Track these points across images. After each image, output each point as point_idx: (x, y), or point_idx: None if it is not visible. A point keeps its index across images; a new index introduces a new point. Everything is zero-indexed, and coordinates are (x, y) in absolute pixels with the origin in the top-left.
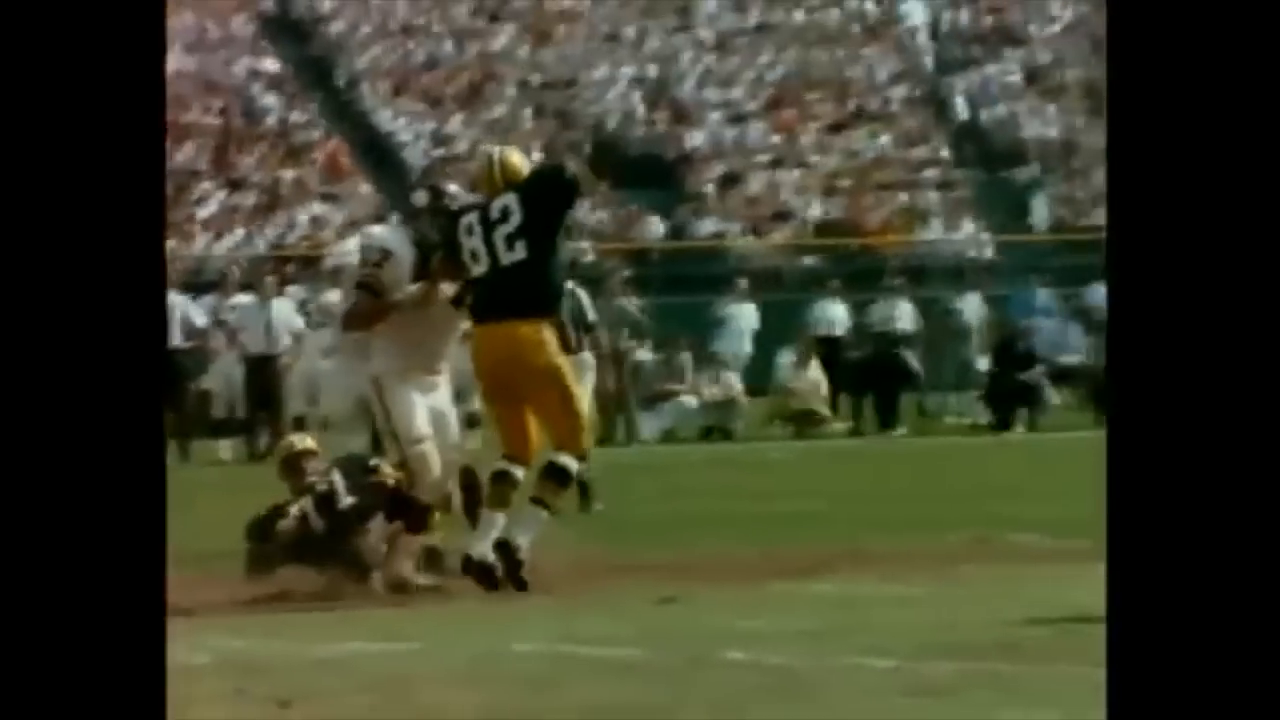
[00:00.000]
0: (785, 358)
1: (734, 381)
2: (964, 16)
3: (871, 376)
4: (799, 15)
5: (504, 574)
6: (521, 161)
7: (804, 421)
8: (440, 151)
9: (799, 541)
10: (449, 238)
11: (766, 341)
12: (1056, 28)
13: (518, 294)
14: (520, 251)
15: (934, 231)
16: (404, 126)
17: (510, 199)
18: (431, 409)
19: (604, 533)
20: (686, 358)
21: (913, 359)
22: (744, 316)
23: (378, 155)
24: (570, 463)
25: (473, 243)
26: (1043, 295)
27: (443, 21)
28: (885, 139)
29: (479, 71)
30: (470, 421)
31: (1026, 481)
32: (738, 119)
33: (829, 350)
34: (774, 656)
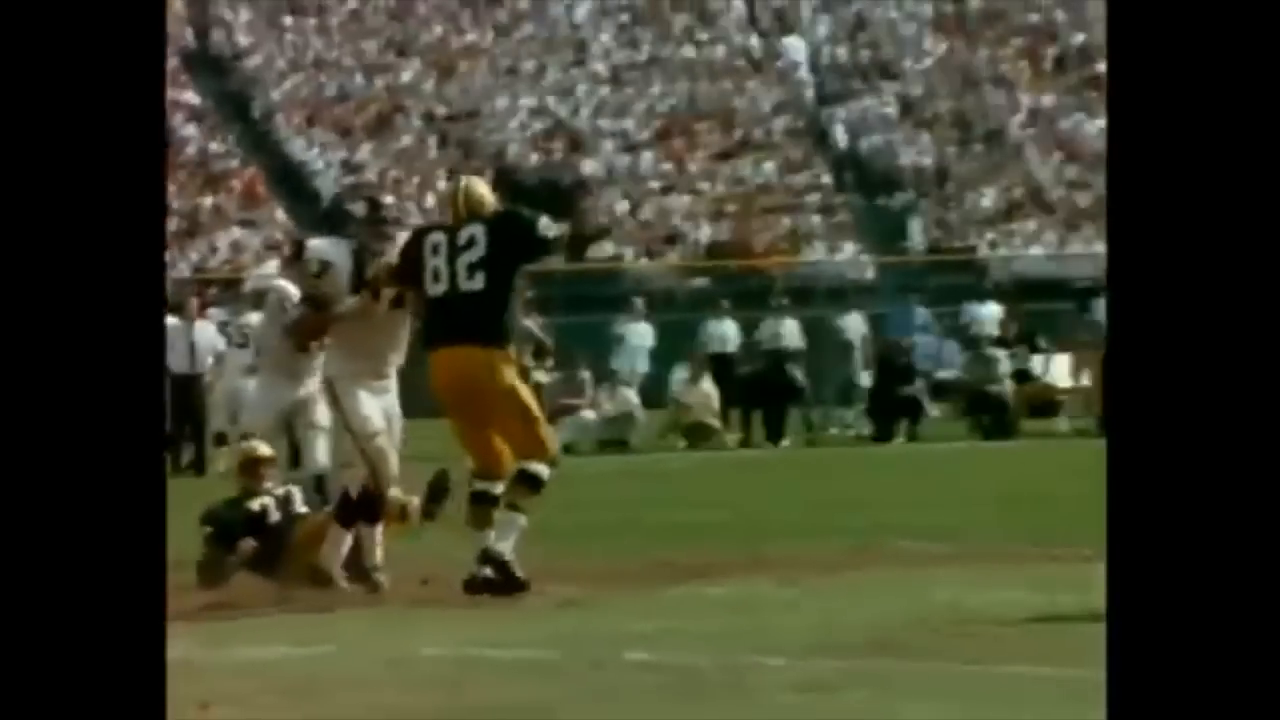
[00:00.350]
0: (679, 374)
1: (631, 397)
2: (842, 52)
3: (760, 391)
4: (687, 50)
5: (501, 581)
6: (486, 194)
7: (697, 434)
8: (351, 179)
9: (697, 548)
10: (411, 252)
11: (661, 358)
12: (929, 62)
13: (472, 321)
14: (479, 282)
15: (817, 253)
16: (316, 155)
17: (478, 230)
18: (382, 408)
19: None
20: (586, 375)
21: (799, 374)
22: (640, 335)
23: (292, 183)
24: (541, 469)
25: (436, 261)
26: (920, 313)
27: (353, 56)
28: (770, 166)
29: (387, 103)
30: None
31: (908, 490)
32: (631, 148)
33: (720, 366)
34: (673, 657)
